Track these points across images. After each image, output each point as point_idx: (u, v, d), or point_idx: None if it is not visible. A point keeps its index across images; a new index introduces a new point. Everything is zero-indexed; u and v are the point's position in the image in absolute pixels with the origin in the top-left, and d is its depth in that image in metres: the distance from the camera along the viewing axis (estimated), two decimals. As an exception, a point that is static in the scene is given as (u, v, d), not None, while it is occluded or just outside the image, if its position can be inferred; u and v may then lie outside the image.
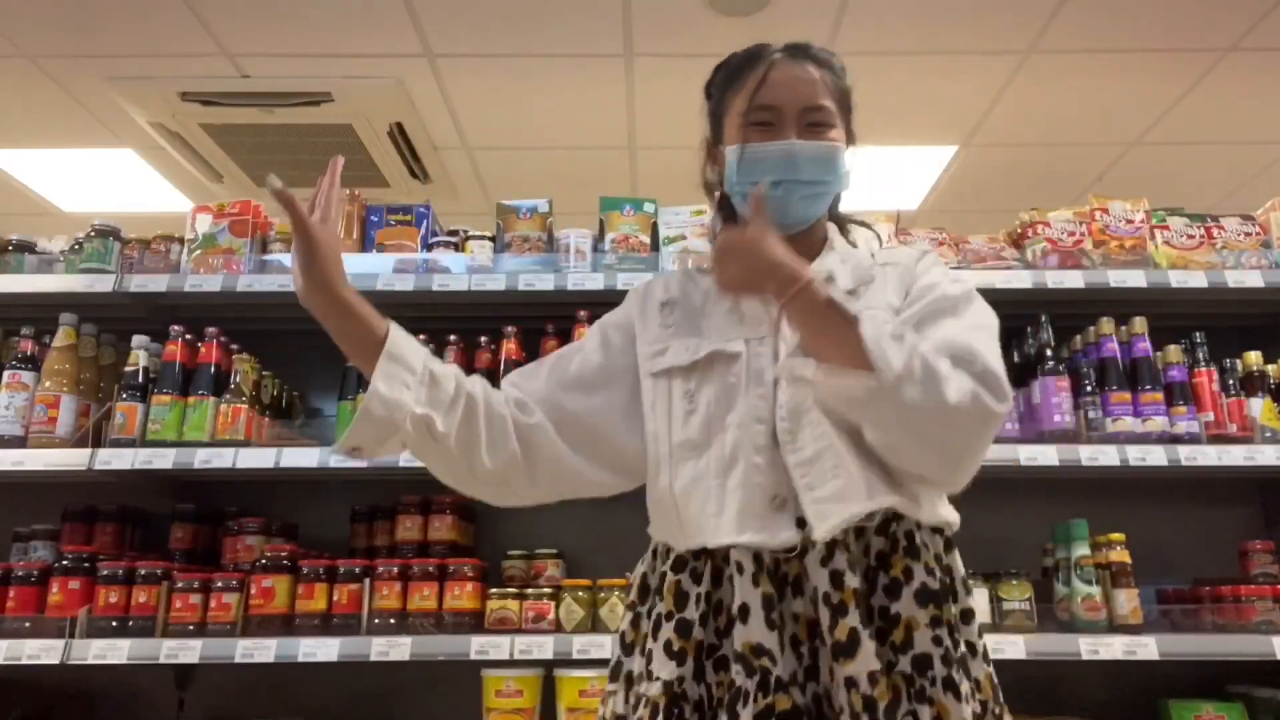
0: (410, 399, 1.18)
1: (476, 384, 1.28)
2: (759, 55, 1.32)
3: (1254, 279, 2.38)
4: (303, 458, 2.26)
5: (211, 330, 2.41)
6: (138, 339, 2.41)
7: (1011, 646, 2.07)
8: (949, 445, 1.13)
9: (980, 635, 1.21)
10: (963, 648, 1.16)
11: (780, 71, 1.30)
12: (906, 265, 1.32)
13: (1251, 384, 2.42)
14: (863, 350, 1.08)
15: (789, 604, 1.15)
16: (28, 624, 2.17)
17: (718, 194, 1.40)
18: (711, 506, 1.20)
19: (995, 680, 1.19)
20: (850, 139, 1.38)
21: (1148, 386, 2.33)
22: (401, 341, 1.22)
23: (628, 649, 1.26)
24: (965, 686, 1.12)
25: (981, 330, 1.19)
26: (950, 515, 1.25)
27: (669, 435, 1.26)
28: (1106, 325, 2.40)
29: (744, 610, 1.14)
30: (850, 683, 1.09)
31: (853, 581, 1.13)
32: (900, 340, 1.10)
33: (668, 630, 1.19)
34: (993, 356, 1.15)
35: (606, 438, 1.32)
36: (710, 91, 1.39)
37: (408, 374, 1.19)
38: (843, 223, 1.45)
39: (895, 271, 1.32)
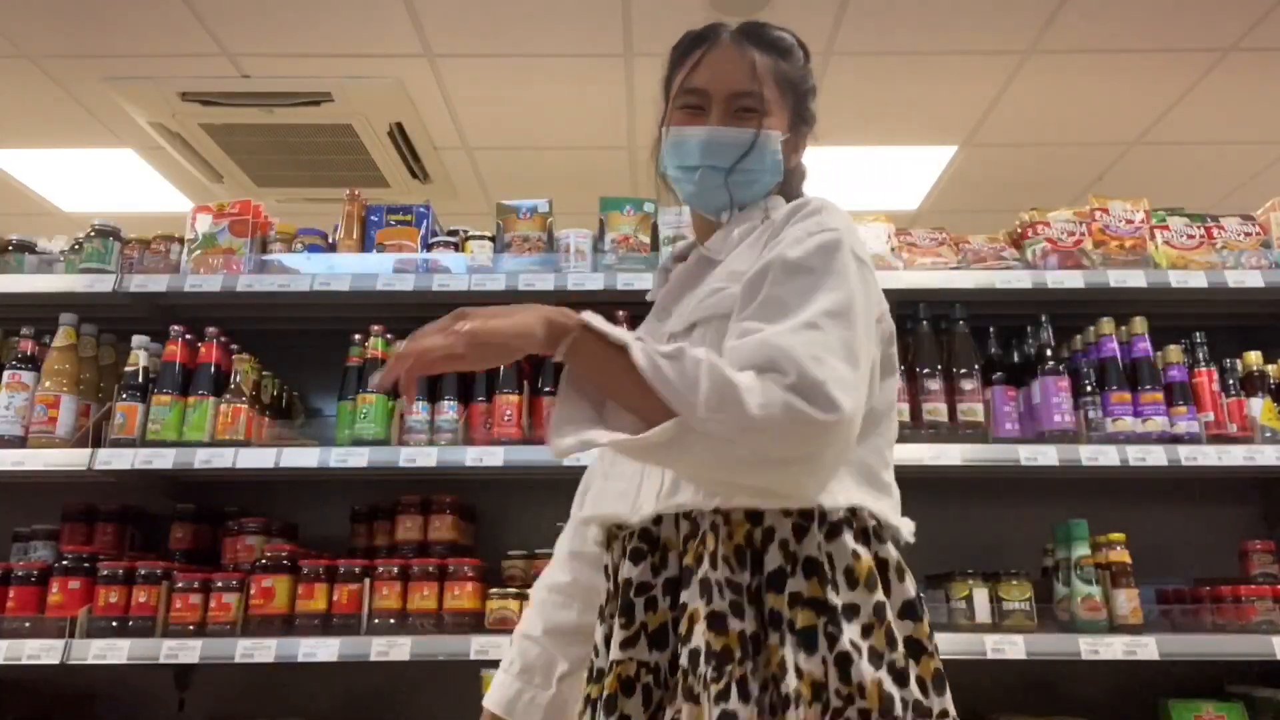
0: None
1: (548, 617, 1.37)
2: (705, 37, 1.29)
3: (1254, 279, 2.38)
4: (303, 458, 2.26)
5: (211, 330, 2.41)
6: (138, 339, 2.41)
7: (1011, 646, 2.07)
8: (773, 466, 1.00)
9: (867, 636, 1.03)
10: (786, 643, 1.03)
11: (716, 54, 1.26)
12: (776, 224, 1.19)
13: (1251, 384, 2.42)
14: (642, 388, 0.99)
15: None
16: (28, 624, 2.17)
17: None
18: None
19: (883, 687, 1.01)
20: (798, 125, 1.31)
21: (1148, 386, 2.33)
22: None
23: None
24: (718, 686, 1.00)
25: (813, 328, 1.02)
26: (802, 495, 1.06)
27: None
28: (1106, 325, 2.40)
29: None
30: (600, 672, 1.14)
31: (627, 571, 1.13)
32: (678, 361, 0.99)
33: None
34: (814, 360, 0.99)
35: None
36: (666, 69, 1.37)
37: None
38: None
39: (764, 231, 1.21)
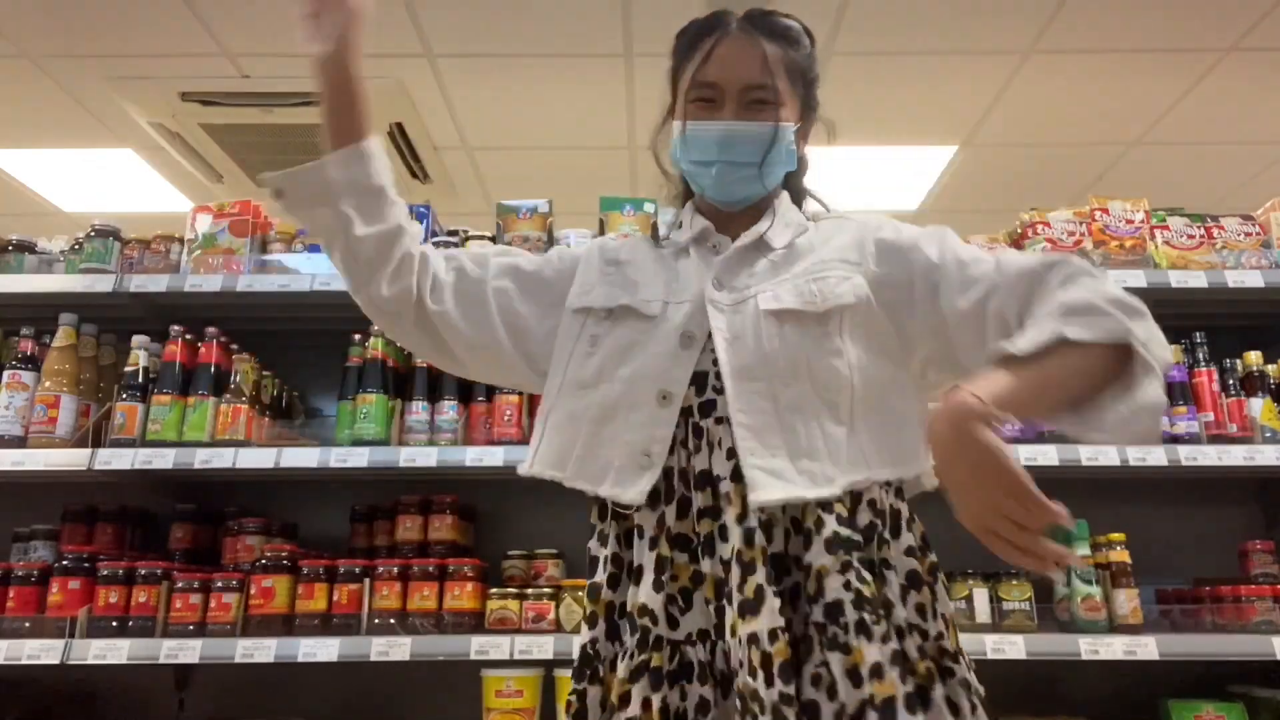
0: (350, 191, 1.27)
1: (416, 230, 1.32)
2: (713, 27, 1.29)
3: (1254, 279, 2.38)
4: (303, 458, 2.26)
5: (211, 330, 2.41)
6: (138, 339, 2.41)
7: (1011, 646, 2.07)
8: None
9: (932, 576, 1.19)
10: (894, 588, 1.14)
11: (726, 46, 1.26)
12: (864, 226, 1.30)
13: (1251, 384, 2.42)
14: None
15: (701, 564, 1.16)
16: (28, 624, 2.17)
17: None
18: (578, 449, 1.23)
19: (949, 627, 1.19)
20: (807, 114, 1.33)
21: (1148, 386, 2.33)
22: (376, 151, 1.29)
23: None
24: (881, 629, 1.09)
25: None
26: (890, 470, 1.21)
27: (564, 370, 1.28)
28: (1106, 325, 2.40)
29: (638, 572, 1.18)
30: (752, 639, 1.08)
31: (762, 540, 1.13)
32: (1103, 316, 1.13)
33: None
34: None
35: (525, 329, 1.34)
36: (672, 57, 1.36)
37: (363, 177, 1.27)
38: (801, 198, 1.39)
39: (851, 227, 1.30)
